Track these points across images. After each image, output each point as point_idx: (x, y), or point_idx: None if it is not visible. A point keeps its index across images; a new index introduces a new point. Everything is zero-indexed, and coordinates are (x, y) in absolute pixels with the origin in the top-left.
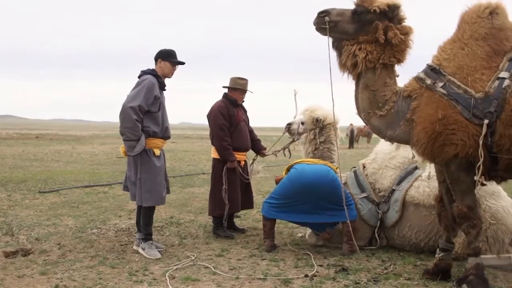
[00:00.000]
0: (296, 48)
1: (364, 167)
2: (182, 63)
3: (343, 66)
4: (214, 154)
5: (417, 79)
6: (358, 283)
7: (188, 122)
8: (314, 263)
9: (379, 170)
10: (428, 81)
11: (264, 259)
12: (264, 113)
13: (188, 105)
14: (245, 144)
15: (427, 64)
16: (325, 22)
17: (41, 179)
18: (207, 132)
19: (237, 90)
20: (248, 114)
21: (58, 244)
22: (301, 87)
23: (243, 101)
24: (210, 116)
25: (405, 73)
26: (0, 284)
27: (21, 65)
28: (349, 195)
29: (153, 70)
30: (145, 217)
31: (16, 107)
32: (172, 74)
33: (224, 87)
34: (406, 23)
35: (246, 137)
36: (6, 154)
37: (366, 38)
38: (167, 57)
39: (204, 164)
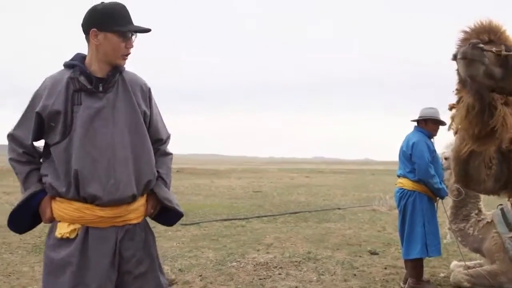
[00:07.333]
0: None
1: None
2: (146, 30)
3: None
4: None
5: None
6: None
7: (320, 156)
8: None
9: None
10: None
11: None
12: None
13: (319, 138)
14: None
15: None
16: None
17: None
18: (341, 166)
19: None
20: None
21: (200, 275)
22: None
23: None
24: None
25: None
26: None
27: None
28: None
29: (77, 57)
30: None
31: None
32: (126, 56)
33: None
34: None
35: None
36: None
37: None
38: (108, 24)
39: (339, 199)
